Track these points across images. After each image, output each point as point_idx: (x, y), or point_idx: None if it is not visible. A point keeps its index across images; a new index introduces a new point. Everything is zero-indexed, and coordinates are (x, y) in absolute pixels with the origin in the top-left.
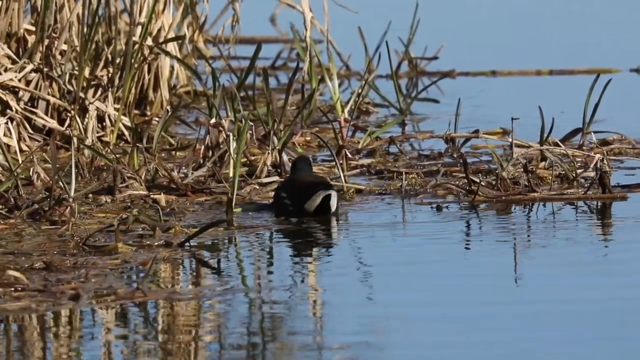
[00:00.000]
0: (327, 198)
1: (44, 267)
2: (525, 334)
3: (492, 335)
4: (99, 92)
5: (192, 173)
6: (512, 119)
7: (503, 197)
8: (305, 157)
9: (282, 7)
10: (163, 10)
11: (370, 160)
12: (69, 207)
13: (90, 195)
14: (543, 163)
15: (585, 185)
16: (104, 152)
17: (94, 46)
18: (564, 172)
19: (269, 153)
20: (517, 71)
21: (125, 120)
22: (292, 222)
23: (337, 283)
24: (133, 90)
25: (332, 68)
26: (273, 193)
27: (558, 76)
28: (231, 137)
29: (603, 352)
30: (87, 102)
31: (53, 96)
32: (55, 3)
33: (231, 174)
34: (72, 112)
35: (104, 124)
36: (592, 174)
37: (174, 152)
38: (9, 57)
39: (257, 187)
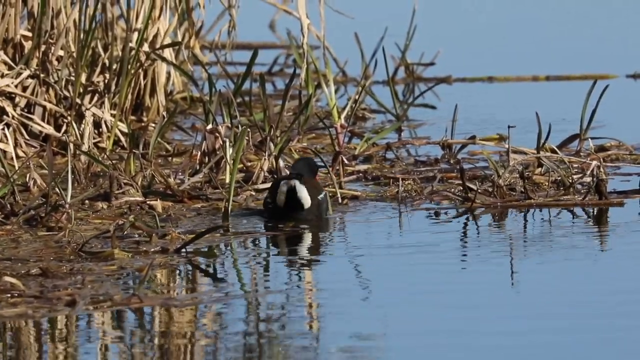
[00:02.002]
0: (293, 191)
1: (40, 274)
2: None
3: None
4: (95, 98)
5: (189, 179)
6: (509, 126)
7: (499, 204)
8: (305, 159)
9: (281, 13)
10: (159, 16)
11: (366, 166)
12: (65, 213)
13: (87, 201)
14: (539, 169)
15: (582, 191)
16: (100, 158)
17: (90, 52)
18: (560, 178)
19: (265, 159)
20: (514, 77)
21: (122, 126)
22: (288, 228)
23: (333, 288)
24: (129, 96)
25: (329, 74)
26: None
27: (555, 82)
28: (227, 143)
29: None
30: (83, 108)
31: (49, 102)
32: (52, 9)
33: (227, 180)
34: (69, 118)
35: (101, 130)
36: (589, 179)
37: (170, 158)
38: (5, 63)
39: (254, 193)
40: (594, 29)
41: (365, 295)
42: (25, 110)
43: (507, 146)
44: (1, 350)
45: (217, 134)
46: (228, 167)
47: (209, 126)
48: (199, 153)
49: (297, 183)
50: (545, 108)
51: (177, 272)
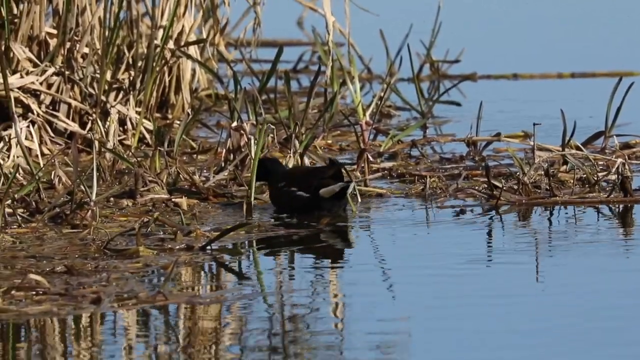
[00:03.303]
0: (346, 187)
1: (65, 271)
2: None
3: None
4: (120, 96)
5: (214, 176)
6: (534, 124)
7: (524, 202)
8: (272, 158)
9: (309, 10)
10: (184, 13)
11: (391, 164)
12: (90, 211)
13: (112, 198)
14: (565, 167)
15: (607, 189)
16: (125, 156)
17: (115, 49)
18: (585, 175)
19: (290, 156)
20: (539, 74)
21: (147, 123)
22: (313, 226)
23: (358, 287)
24: (154, 94)
25: (354, 71)
26: (271, 194)
27: (580, 79)
28: (252, 141)
29: None
30: (108, 106)
31: (74, 99)
32: (77, 6)
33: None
34: (94, 115)
35: (126, 127)
36: (614, 177)
37: (195, 155)
38: (30, 60)
39: None
40: (619, 26)
41: (391, 292)
42: (51, 108)
43: (532, 143)
44: (27, 347)
45: (242, 132)
46: (252, 164)
47: (234, 123)
48: (224, 150)
49: (352, 184)
50: (570, 105)
51: (202, 269)
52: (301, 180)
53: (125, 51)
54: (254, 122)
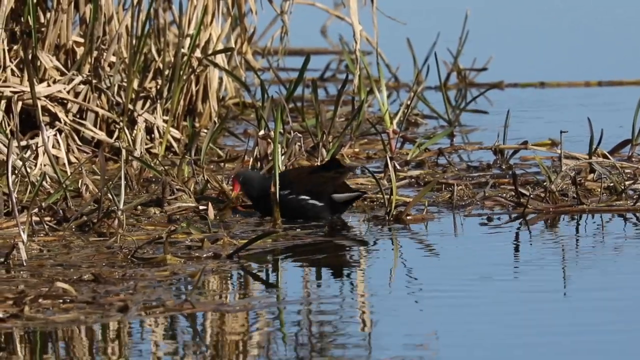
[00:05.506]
0: (360, 197)
1: (92, 279)
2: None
3: None
4: (147, 104)
5: None
6: (561, 132)
7: (551, 210)
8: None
9: (333, 18)
10: (211, 22)
11: (419, 172)
12: (117, 219)
13: (139, 207)
14: (592, 175)
15: (634, 197)
16: (152, 164)
17: (142, 58)
18: (612, 184)
19: (317, 165)
20: (566, 82)
21: (175, 132)
22: (340, 233)
23: (386, 295)
24: (182, 102)
25: (381, 79)
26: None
27: (607, 87)
28: (279, 149)
29: None
30: (135, 114)
31: (102, 108)
32: (104, 15)
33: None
34: (121, 123)
35: (153, 135)
36: None
37: (222, 163)
38: (57, 68)
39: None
40: None
41: (417, 299)
42: (78, 116)
43: (559, 151)
44: (54, 356)
45: (270, 140)
46: (275, 173)
47: (261, 132)
48: (251, 159)
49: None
50: (597, 113)
51: (230, 277)
52: (312, 188)
53: (154, 58)
54: (281, 131)
